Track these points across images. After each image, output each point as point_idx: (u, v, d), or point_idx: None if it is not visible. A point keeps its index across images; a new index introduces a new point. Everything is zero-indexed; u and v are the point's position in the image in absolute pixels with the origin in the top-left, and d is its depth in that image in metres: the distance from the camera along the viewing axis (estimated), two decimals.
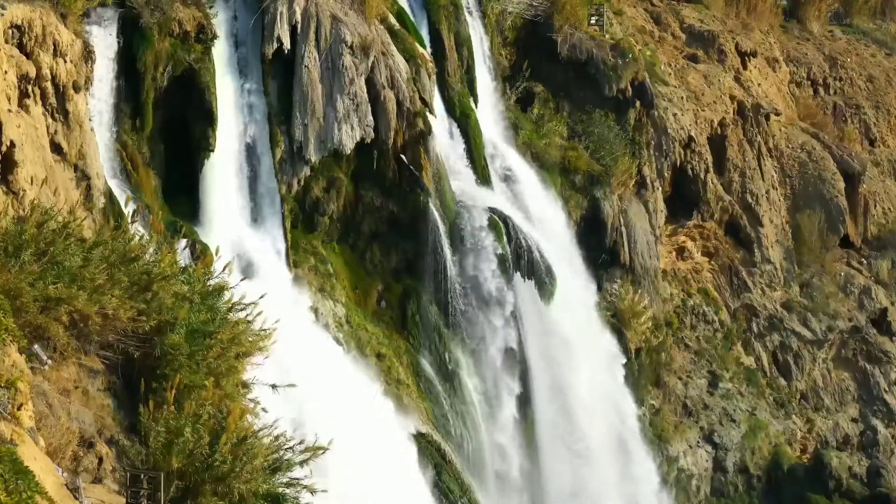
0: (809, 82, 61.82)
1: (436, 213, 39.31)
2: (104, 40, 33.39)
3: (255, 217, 36.76)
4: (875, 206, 59.14)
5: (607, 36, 49.85)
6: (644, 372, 47.59)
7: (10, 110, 28.16)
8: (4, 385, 16.70)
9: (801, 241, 55.25)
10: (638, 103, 48.78)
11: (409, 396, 38.16)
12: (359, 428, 32.41)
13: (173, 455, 19.00)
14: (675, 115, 50.44)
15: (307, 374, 29.93)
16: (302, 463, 20.64)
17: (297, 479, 20.53)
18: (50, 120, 30.32)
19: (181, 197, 35.24)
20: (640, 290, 46.88)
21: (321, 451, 20.78)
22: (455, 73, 42.93)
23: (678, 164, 50.68)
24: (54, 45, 30.28)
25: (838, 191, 56.15)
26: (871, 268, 57.31)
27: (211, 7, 36.20)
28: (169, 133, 35.15)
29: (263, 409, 22.10)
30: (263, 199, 36.88)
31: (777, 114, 56.54)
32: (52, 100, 30.42)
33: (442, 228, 39.34)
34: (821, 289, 54.88)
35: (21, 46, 29.57)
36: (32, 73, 29.56)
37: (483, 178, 42.49)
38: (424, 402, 38.90)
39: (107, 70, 33.47)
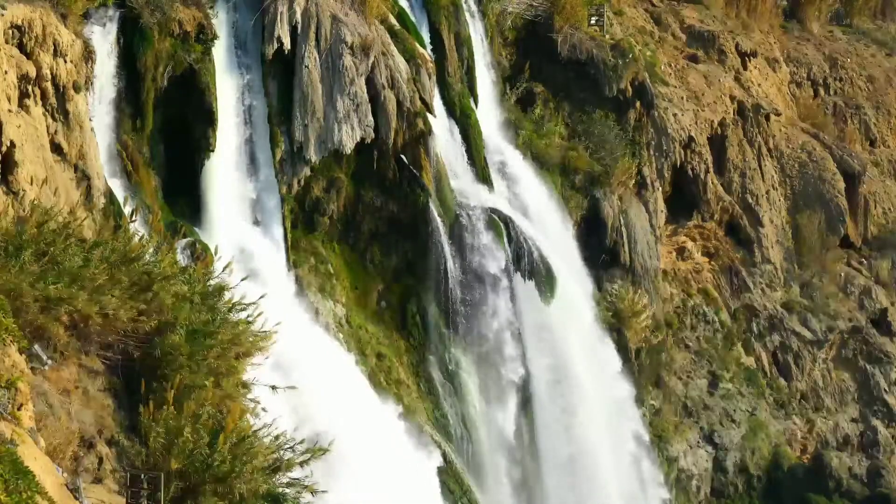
0: (809, 82, 61.82)
1: (436, 213, 39.28)
2: (104, 40, 33.37)
3: (256, 217, 36.73)
4: (875, 206, 59.13)
5: (607, 36, 49.83)
6: (644, 372, 47.56)
7: (10, 110, 28.18)
8: (4, 385, 16.71)
9: (801, 241, 55.24)
10: (638, 103, 48.77)
11: (409, 396, 38.16)
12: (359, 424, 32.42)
13: (173, 455, 19.00)
14: (675, 115, 50.43)
15: (306, 374, 29.94)
16: (302, 463, 20.64)
17: (298, 479, 20.53)
18: (50, 120, 30.31)
19: (181, 197, 35.21)
20: (639, 290, 46.86)
21: (321, 452, 20.79)
22: (455, 73, 42.91)
23: (678, 164, 50.67)
24: (54, 45, 30.27)
25: (838, 191, 56.15)
26: (871, 268, 57.31)
27: (211, 7, 36.18)
28: (169, 133, 35.12)
29: (263, 410, 22.08)
30: (263, 199, 36.84)
31: (777, 114, 56.54)
32: (53, 100, 30.41)
33: (442, 228, 39.31)
34: (821, 289, 54.87)
35: (21, 46, 29.58)
36: (33, 73, 29.57)
37: (483, 178, 42.47)
38: (425, 402, 38.90)
39: (107, 70, 33.46)
